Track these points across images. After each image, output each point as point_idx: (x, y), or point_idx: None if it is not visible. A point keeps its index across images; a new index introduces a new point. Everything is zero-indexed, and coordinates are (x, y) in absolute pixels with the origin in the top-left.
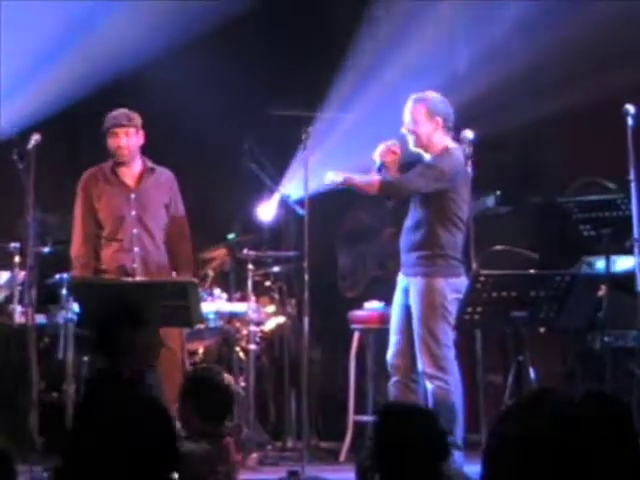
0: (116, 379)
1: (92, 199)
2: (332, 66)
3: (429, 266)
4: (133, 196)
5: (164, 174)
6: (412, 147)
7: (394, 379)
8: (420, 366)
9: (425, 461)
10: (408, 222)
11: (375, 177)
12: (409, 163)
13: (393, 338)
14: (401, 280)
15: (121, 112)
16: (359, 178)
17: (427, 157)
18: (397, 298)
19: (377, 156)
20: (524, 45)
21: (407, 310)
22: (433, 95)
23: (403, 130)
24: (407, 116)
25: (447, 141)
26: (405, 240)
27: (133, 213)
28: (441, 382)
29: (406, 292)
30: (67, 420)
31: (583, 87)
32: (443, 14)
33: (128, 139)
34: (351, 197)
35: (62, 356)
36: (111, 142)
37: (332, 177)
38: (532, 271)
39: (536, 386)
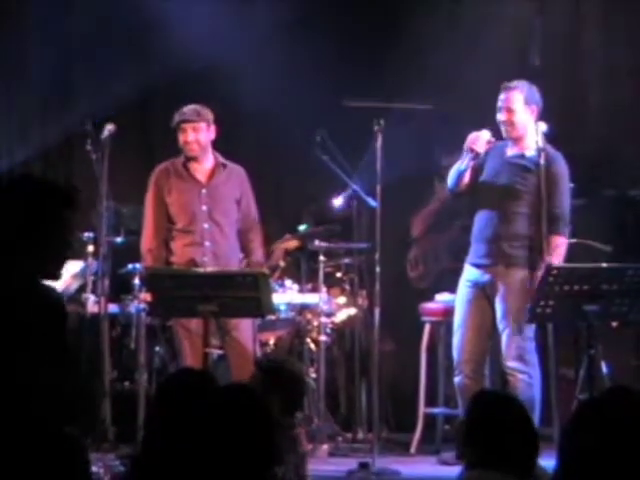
0: None
1: (163, 193)
2: (406, 57)
3: (526, 258)
4: (204, 191)
5: (235, 170)
6: (506, 136)
7: (462, 374)
8: (505, 359)
9: (519, 455)
10: (496, 212)
11: (560, 241)
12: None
13: (461, 332)
14: (474, 273)
15: (190, 108)
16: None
17: (514, 150)
18: (466, 292)
19: (474, 146)
20: (598, 37)
21: (477, 304)
22: (526, 83)
23: (500, 119)
24: (504, 105)
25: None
26: (494, 230)
27: (204, 208)
28: (524, 375)
29: (478, 285)
30: (139, 409)
31: None
32: (519, 7)
33: (196, 134)
34: (422, 188)
35: (134, 345)
36: (180, 137)
37: None
38: (605, 264)
39: (608, 380)
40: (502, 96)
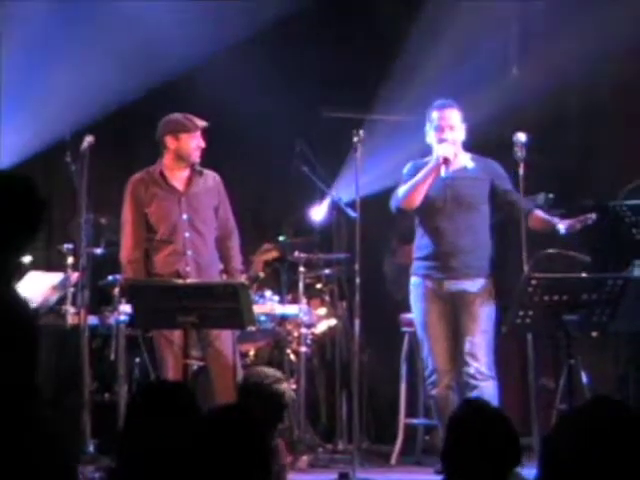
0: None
1: (142, 203)
2: (383, 68)
3: (488, 267)
4: (183, 200)
5: (211, 176)
6: (457, 152)
7: (442, 384)
8: (478, 365)
9: (498, 465)
10: (454, 225)
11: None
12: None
13: (442, 344)
14: (442, 285)
15: (190, 115)
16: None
17: (452, 165)
18: (436, 305)
19: (448, 156)
20: (576, 44)
21: (450, 316)
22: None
23: (444, 137)
24: (446, 123)
25: None
26: (461, 241)
27: (185, 217)
28: (495, 381)
29: (449, 297)
30: (119, 421)
31: (633, 89)
32: (495, 13)
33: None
34: None
35: (114, 357)
36: (189, 143)
37: None
38: (584, 275)
39: (588, 390)
40: (441, 114)
